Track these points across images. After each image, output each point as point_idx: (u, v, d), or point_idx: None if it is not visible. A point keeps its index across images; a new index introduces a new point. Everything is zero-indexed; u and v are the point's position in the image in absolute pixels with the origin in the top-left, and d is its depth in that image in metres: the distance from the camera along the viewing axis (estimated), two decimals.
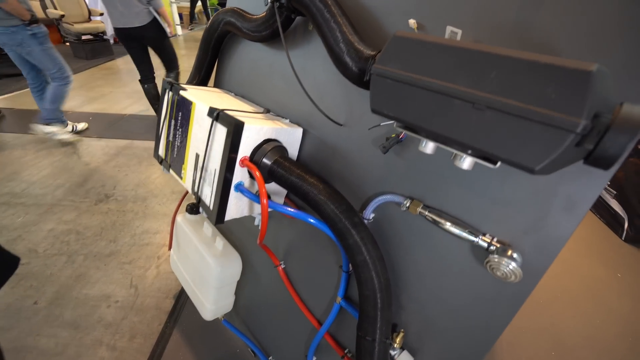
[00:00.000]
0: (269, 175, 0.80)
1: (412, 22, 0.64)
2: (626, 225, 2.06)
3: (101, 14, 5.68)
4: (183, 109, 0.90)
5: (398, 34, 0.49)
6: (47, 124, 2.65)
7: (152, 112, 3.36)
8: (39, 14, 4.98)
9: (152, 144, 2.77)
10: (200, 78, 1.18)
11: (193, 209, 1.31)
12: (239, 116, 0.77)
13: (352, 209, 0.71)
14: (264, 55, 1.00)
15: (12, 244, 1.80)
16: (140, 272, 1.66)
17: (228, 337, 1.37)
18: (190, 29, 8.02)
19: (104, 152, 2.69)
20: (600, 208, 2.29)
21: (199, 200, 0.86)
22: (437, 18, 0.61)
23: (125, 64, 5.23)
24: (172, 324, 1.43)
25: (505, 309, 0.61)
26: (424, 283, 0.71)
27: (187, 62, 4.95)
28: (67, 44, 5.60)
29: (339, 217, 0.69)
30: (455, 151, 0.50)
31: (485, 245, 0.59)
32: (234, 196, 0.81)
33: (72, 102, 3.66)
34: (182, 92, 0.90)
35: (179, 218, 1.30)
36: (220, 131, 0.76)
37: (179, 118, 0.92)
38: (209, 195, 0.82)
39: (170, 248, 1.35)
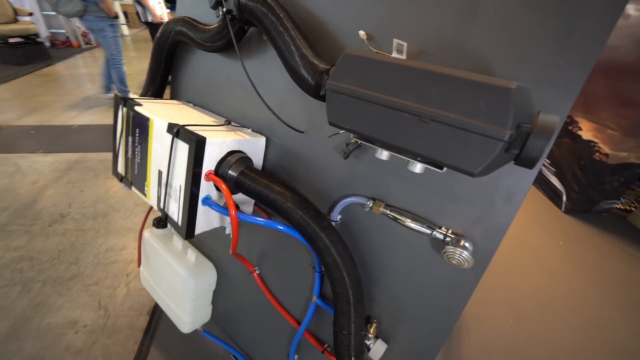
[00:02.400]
0: (236, 186, 0.80)
1: (362, 33, 0.67)
2: (564, 198, 2.32)
3: (30, 14, 5.08)
4: (140, 125, 0.87)
5: (348, 52, 0.52)
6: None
7: (104, 122, 3.15)
8: None
9: (108, 155, 2.60)
10: (154, 89, 1.14)
11: (160, 223, 1.28)
12: (199, 130, 0.76)
13: (320, 214, 0.75)
14: (221, 65, 0.99)
15: None
16: (108, 292, 1.58)
17: (208, 347, 1.36)
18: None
19: (53, 168, 2.48)
20: (542, 183, 2.54)
21: (166, 216, 0.85)
22: (385, 30, 0.65)
23: (67, 70, 4.79)
24: (149, 341, 1.39)
25: (463, 291, 0.68)
26: (392, 276, 0.77)
27: (137, 64, 4.65)
28: None
29: (307, 222, 0.72)
30: (407, 158, 0.54)
31: (442, 237, 0.65)
32: (201, 210, 0.80)
33: (9, 115, 3.32)
34: (137, 108, 0.87)
35: (146, 233, 1.26)
36: (182, 147, 0.75)
37: (137, 134, 0.89)
38: (176, 212, 0.81)
39: (139, 264, 1.31)
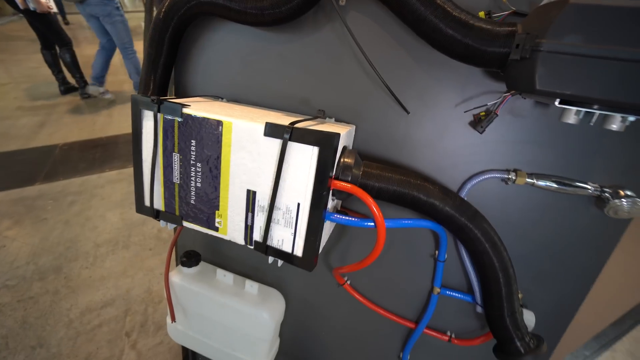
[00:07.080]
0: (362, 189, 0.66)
1: None
2: None
3: None
4: (197, 134, 0.63)
5: (575, 2, 0.44)
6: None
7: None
8: None
9: (20, 192, 1.92)
10: (156, 84, 0.85)
11: (191, 259, 1.02)
12: (312, 127, 0.59)
13: (464, 201, 0.67)
14: (267, 44, 0.78)
15: None
16: None
17: None
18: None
19: None
20: None
21: (266, 249, 0.65)
22: None
23: None
24: None
25: (604, 245, 0.71)
26: (529, 245, 0.75)
27: None
28: None
29: (455, 215, 0.65)
30: (631, 116, 0.49)
31: (598, 192, 0.65)
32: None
33: None
34: (187, 111, 0.63)
35: (175, 278, 0.98)
36: (302, 152, 0.56)
37: (192, 148, 0.64)
38: (288, 240, 0.63)
39: (174, 319, 1.02)
